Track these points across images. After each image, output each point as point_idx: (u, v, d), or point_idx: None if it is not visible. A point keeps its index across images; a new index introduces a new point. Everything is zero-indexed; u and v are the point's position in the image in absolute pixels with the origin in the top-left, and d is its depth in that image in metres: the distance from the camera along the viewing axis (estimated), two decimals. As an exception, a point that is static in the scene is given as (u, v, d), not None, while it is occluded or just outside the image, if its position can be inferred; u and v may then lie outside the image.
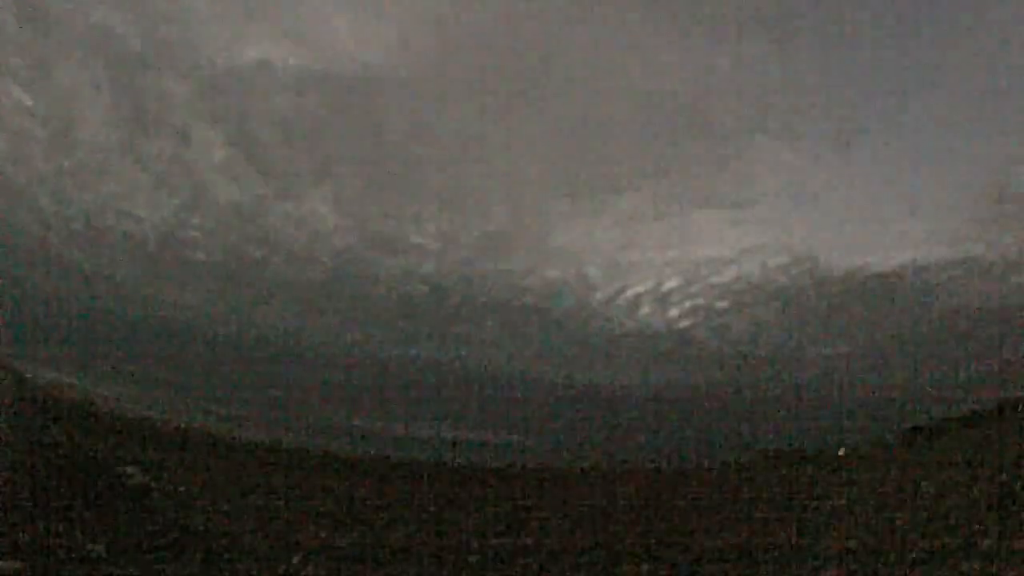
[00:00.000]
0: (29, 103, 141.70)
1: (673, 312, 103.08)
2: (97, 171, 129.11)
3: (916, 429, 55.51)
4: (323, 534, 11.68)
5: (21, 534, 8.65)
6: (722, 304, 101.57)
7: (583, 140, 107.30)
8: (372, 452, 47.88)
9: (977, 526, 11.07)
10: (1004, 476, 15.56)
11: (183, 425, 49.86)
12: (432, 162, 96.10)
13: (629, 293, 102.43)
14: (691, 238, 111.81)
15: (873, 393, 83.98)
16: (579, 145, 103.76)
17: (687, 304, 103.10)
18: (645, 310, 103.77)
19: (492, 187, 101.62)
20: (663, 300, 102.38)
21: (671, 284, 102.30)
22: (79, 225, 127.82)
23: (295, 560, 9.33)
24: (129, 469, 15.95)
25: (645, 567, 9.51)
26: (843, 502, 15.74)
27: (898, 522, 12.15)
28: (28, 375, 63.25)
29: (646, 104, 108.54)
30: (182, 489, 15.35)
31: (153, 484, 14.88)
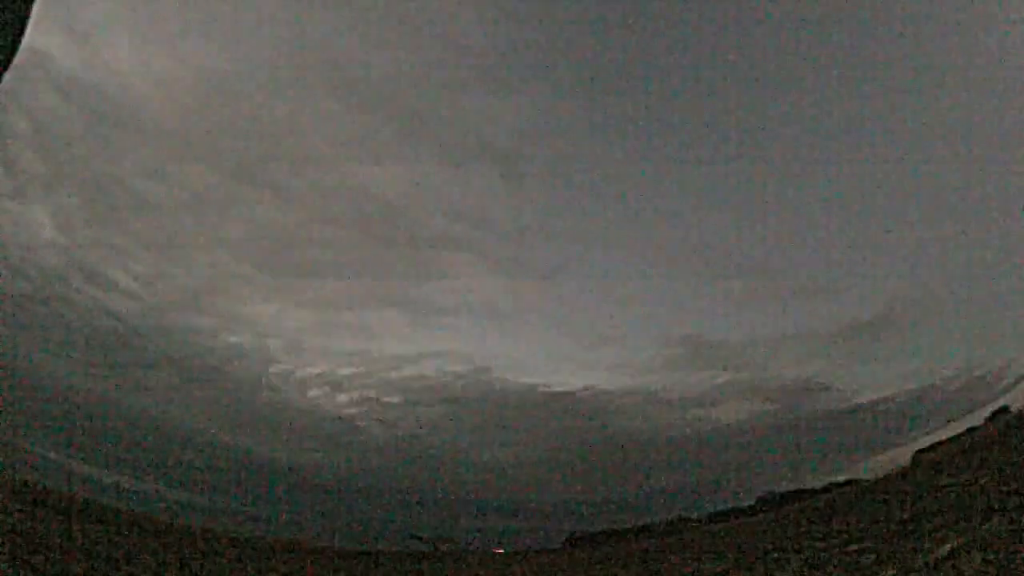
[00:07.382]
0: None
1: (342, 398, 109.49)
2: None
3: (577, 535, 63.07)
4: None
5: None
6: (393, 399, 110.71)
7: (295, 220, 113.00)
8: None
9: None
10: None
11: None
12: (154, 205, 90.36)
13: (303, 373, 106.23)
14: (376, 333, 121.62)
15: (538, 498, 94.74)
16: (289, 224, 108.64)
17: (358, 393, 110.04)
18: (315, 391, 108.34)
19: (199, 243, 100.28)
20: (335, 385, 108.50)
21: (346, 372, 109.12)
22: None
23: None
24: None
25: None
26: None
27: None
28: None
29: (359, 201, 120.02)
30: None
31: None
